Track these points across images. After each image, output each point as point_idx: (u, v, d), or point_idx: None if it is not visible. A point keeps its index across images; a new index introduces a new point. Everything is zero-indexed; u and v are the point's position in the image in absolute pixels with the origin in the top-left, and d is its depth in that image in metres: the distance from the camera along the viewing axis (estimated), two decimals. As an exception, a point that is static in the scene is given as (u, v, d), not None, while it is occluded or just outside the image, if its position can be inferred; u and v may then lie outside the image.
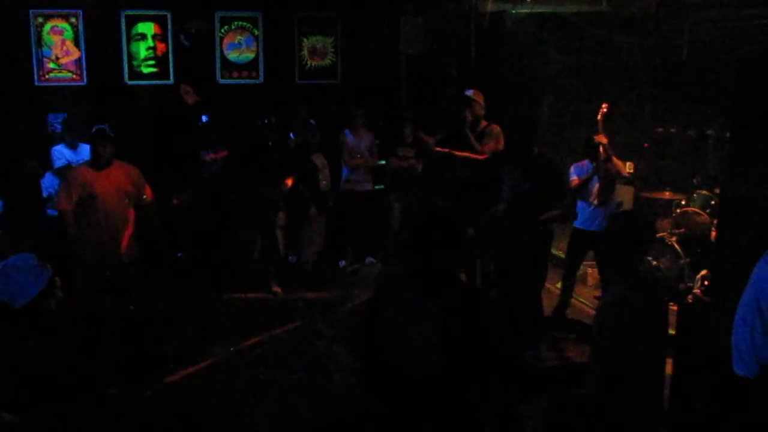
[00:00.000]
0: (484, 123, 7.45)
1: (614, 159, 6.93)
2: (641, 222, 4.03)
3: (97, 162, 6.63)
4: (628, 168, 8.89)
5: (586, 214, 7.01)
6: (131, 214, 6.71)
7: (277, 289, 8.18)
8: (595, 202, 6.93)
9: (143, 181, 6.85)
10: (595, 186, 6.96)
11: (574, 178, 7.06)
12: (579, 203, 7.01)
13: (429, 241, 3.11)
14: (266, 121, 8.65)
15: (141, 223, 6.85)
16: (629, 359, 3.55)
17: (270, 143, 8.35)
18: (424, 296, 3.17)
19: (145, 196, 6.83)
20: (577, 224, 7.09)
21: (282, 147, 8.59)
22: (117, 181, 6.62)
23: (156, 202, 7.10)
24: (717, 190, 7.53)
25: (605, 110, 7.07)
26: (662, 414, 4.04)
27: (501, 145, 7.31)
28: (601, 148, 6.83)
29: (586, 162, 7.09)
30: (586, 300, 7.80)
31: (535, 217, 5.91)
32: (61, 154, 7.79)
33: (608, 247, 3.85)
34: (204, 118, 8.90)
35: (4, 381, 3.02)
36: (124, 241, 6.61)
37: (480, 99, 7.47)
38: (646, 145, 9.03)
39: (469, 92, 7.50)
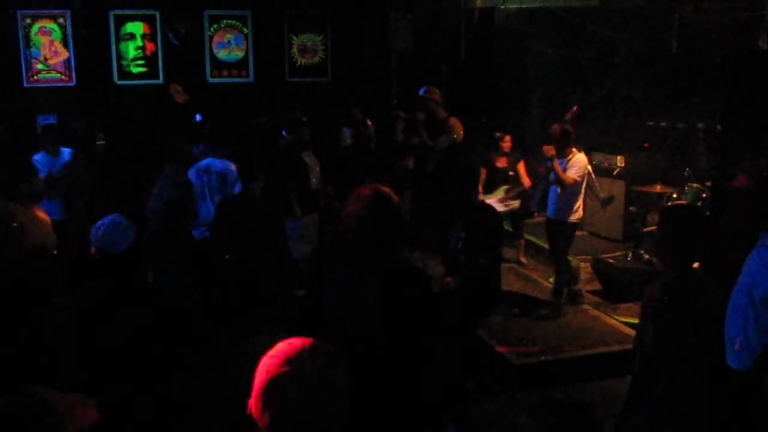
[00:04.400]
0: (442, 115, 7.69)
1: (557, 167, 6.96)
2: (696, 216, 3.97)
3: None
4: (619, 162, 8.91)
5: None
6: None
7: None
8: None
9: None
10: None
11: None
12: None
13: (372, 218, 3.26)
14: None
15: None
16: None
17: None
18: (366, 270, 3.28)
19: None
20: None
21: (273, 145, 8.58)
22: None
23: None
24: (708, 183, 7.55)
25: (575, 110, 7.47)
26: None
27: (458, 137, 7.65)
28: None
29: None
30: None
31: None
32: (42, 165, 7.46)
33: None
34: (198, 117, 8.89)
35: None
36: None
37: (434, 96, 7.72)
38: (646, 144, 9.04)
39: (422, 91, 7.76)
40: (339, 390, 1.85)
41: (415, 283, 3.35)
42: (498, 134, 8.31)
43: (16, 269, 2.66)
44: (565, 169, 6.85)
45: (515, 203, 8.07)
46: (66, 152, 7.61)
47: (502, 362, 5.91)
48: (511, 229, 8.35)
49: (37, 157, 7.55)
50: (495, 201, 7.93)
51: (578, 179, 6.85)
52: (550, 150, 6.98)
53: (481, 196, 7.74)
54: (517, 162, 8.18)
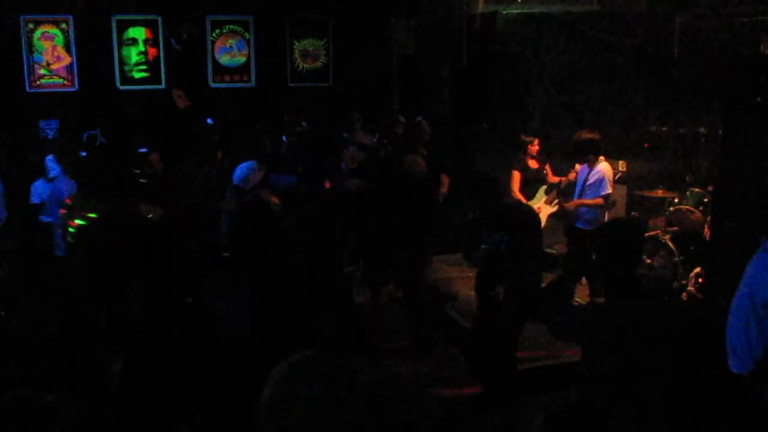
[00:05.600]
0: None
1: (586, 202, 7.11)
2: (637, 230, 3.95)
3: None
4: (621, 167, 8.91)
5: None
6: None
7: None
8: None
9: None
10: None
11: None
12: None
13: (243, 226, 3.48)
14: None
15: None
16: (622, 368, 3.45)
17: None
18: (236, 272, 3.44)
19: None
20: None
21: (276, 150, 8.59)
22: None
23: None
24: (710, 188, 7.54)
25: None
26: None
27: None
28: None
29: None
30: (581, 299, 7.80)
31: None
32: (55, 164, 7.74)
33: (604, 255, 3.73)
34: (209, 121, 8.95)
35: None
36: None
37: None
38: (646, 144, 9.05)
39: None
40: (346, 407, 1.83)
41: (283, 284, 3.68)
42: (525, 137, 8.24)
43: None
44: (586, 179, 6.91)
45: (557, 201, 8.02)
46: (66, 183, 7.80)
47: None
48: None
49: (51, 157, 7.67)
50: (543, 204, 7.97)
51: (609, 191, 6.91)
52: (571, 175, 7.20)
53: (525, 201, 7.84)
54: (544, 164, 8.16)
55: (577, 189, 7.22)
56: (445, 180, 8.21)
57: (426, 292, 6.76)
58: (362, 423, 1.81)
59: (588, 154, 6.91)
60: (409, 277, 6.45)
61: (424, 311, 6.64)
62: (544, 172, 8.12)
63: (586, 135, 7.01)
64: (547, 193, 8.06)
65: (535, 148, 8.11)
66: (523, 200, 7.95)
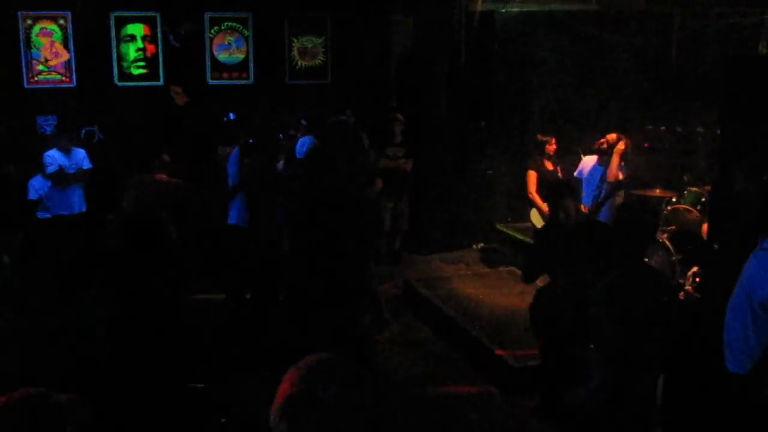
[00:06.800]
0: None
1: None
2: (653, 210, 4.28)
3: None
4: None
5: None
6: None
7: None
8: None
9: None
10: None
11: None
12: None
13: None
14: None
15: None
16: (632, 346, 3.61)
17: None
18: (100, 285, 3.48)
19: None
20: None
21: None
22: None
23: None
24: (707, 188, 7.55)
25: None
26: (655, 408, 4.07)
27: None
28: None
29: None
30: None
31: None
32: (53, 159, 7.74)
33: (620, 233, 4.00)
34: (231, 115, 9.11)
35: None
36: None
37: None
38: (646, 144, 9.06)
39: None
40: (361, 414, 1.78)
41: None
42: (542, 137, 8.19)
43: None
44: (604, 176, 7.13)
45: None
46: (79, 152, 7.87)
47: (501, 364, 5.92)
48: None
49: (51, 152, 7.72)
50: None
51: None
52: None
53: (542, 202, 7.83)
54: (558, 165, 8.12)
55: (593, 186, 7.26)
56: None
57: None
58: (377, 427, 1.80)
59: (610, 156, 7.20)
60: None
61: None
62: (558, 174, 8.10)
63: (614, 135, 7.25)
64: None
65: (552, 147, 8.05)
66: (540, 201, 7.93)
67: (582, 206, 7.39)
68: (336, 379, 1.78)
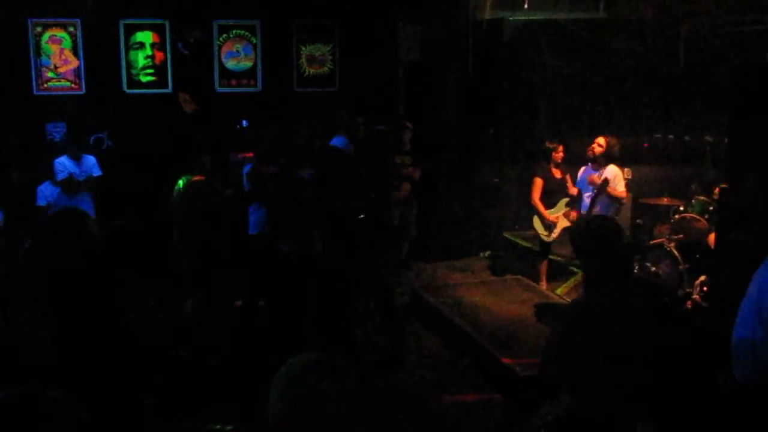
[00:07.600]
0: None
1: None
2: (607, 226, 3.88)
3: None
4: (626, 174, 8.91)
5: None
6: None
7: None
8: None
9: None
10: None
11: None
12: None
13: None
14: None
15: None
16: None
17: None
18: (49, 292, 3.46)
19: None
20: None
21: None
22: None
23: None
24: (715, 196, 7.54)
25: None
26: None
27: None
28: None
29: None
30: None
31: None
32: (63, 166, 7.78)
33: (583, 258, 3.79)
34: (244, 123, 9.17)
35: None
36: None
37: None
38: (645, 145, 9.05)
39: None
40: (353, 401, 1.84)
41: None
42: (550, 144, 8.17)
43: None
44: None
45: (574, 215, 7.93)
46: (89, 159, 8.01)
47: (508, 374, 5.90)
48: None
49: (61, 160, 7.76)
50: (561, 216, 7.93)
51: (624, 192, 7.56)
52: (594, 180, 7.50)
53: (544, 210, 7.87)
54: (566, 173, 8.11)
55: (590, 192, 7.40)
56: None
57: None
58: (372, 415, 1.82)
59: (603, 160, 7.48)
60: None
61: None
62: (567, 183, 8.08)
63: (609, 140, 7.56)
64: (568, 206, 8.00)
65: (559, 155, 8.02)
66: (542, 208, 7.94)
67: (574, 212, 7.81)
68: (321, 375, 1.84)
